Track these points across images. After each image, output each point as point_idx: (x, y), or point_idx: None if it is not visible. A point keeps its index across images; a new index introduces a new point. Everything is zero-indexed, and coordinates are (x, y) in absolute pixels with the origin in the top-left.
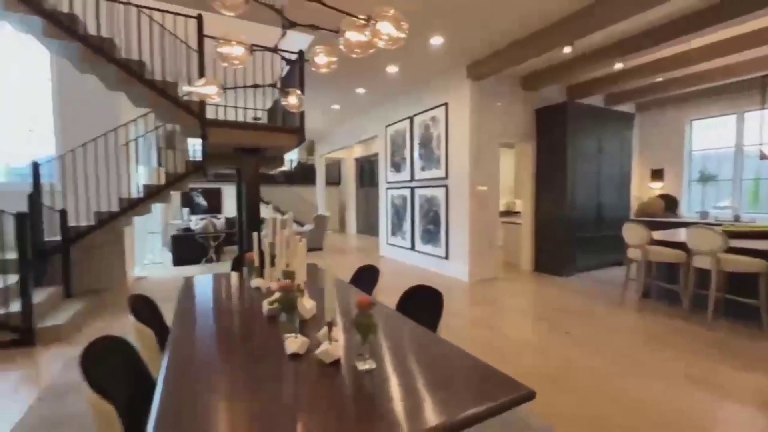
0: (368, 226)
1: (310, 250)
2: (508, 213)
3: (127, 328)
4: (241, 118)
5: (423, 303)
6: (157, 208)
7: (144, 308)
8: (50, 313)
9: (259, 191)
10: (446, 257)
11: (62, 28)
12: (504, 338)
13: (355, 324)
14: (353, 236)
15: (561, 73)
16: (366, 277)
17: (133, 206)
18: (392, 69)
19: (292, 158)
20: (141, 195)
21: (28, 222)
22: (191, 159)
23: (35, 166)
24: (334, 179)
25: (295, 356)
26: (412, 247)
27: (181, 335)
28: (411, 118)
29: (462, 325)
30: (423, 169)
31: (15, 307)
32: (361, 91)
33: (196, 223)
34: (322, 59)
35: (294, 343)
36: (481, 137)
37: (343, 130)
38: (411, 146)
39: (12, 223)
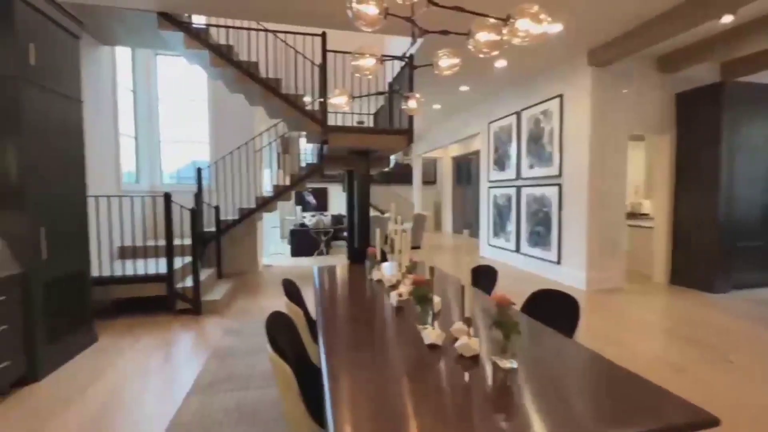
0: (464, 225)
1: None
2: (634, 215)
3: (264, 305)
4: (348, 123)
5: (553, 309)
6: (278, 205)
7: (292, 290)
8: (209, 289)
9: (369, 191)
10: (558, 262)
11: (223, 57)
12: (638, 358)
13: (496, 322)
14: (449, 235)
15: (713, 48)
16: (483, 278)
17: (265, 203)
18: (501, 63)
19: (390, 158)
20: (271, 194)
21: (198, 216)
22: (306, 162)
23: (198, 172)
24: (430, 178)
25: (433, 347)
26: (517, 250)
27: (328, 321)
28: (518, 113)
29: (581, 338)
30: (531, 166)
31: (188, 282)
32: (464, 88)
33: (309, 219)
34: (445, 62)
35: (432, 333)
36: (604, 130)
37: (442, 129)
38: (518, 143)
39: (187, 217)
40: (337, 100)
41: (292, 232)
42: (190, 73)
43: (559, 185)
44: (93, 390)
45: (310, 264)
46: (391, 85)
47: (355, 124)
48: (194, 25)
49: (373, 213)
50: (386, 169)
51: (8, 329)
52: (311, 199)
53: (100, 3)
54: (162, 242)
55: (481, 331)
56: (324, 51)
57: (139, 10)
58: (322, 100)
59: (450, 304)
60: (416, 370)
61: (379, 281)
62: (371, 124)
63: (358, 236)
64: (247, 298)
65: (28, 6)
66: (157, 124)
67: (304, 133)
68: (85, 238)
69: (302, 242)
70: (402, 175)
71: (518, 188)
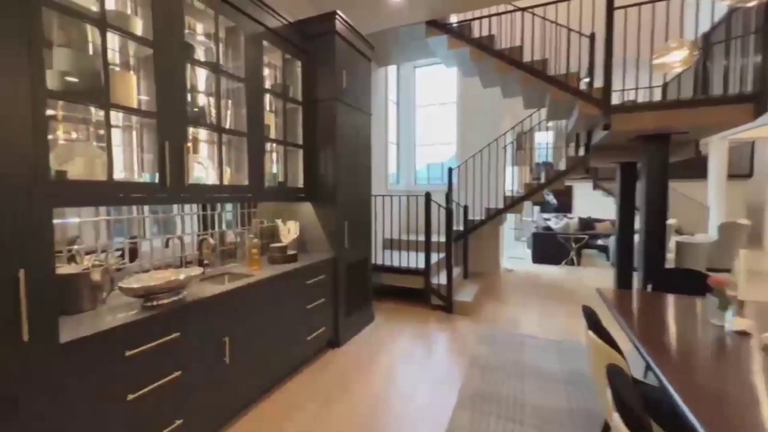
0: None
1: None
2: None
3: (511, 314)
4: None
5: None
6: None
7: (594, 320)
8: (458, 289)
9: (667, 190)
10: None
11: (484, 49)
12: None
13: None
14: None
15: None
16: None
17: (514, 204)
18: None
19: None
20: (519, 193)
21: (452, 215)
22: (541, 161)
23: (450, 172)
24: (741, 170)
25: None
26: None
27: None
28: None
29: None
30: None
31: (441, 279)
32: None
33: (555, 222)
34: None
35: None
36: None
37: None
38: None
39: (439, 215)
40: (672, 58)
41: (535, 236)
42: (442, 80)
43: None
44: (376, 365)
45: (559, 274)
46: (706, 36)
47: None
48: (456, 24)
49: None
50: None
51: (325, 302)
52: (551, 198)
53: (385, 27)
54: (414, 237)
55: None
56: (610, 9)
57: (411, 25)
58: (586, 82)
59: None
60: None
61: (744, 334)
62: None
63: (644, 252)
64: (495, 304)
65: (342, 39)
66: (414, 130)
67: (546, 123)
68: (368, 231)
69: (546, 247)
70: (687, 166)
71: None
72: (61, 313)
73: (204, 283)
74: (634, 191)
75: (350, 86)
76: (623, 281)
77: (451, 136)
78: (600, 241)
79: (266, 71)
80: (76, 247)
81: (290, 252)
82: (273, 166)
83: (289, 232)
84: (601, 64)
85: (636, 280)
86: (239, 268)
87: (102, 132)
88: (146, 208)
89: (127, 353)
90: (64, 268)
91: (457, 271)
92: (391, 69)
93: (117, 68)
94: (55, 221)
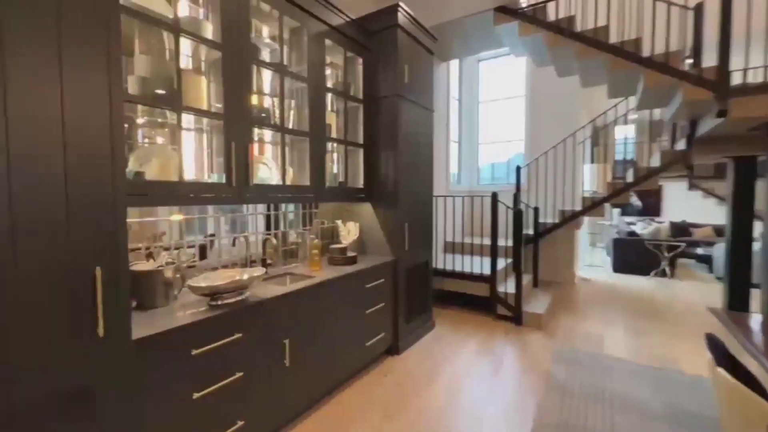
0: None
1: None
2: None
3: (589, 330)
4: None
5: None
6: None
7: (721, 351)
8: (527, 298)
9: None
10: None
11: (562, 31)
12: None
13: None
14: None
15: None
16: None
17: (594, 206)
18: None
19: None
20: (600, 194)
21: (521, 217)
22: (620, 157)
23: (518, 170)
24: None
25: None
26: None
27: None
28: None
29: None
30: None
31: (508, 287)
32: None
33: (642, 227)
34: None
35: None
36: None
37: None
38: None
39: (505, 217)
40: None
41: (617, 242)
42: (508, 72)
43: None
44: (438, 378)
45: (647, 286)
46: None
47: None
48: (529, 8)
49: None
50: None
51: (385, 306)
52: (635, 200)
53: (451, 18)
54: (478, 240)
55: None
56: None
57: (478, 13)
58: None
59: None
60: None
61: None
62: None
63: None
64: (571, 317)
65: (404, 32)
66: (476, 127)
67: (632, 115)
68: (430, 233)
69: (630, 255)
70: None
71: None
72: (137, 307)
73: (267, 283)
74: (752, 191)
75: (412, 82)
76: (737, 300)
77: (518, 132)
78: (700, 250)
79: (327, 71)
80: (155, 245)
81: (350, 254)
82: (334, 166)
83: (349, 233)
84: (711, 40)
85: (757, 300)
86: (300, 268)
87: (176, 134)
88: (219, 207)
89: (194, 352)
90: (140, 265)
91: (526, 278)
92: (453, 64)
93: (188, 72)
94: (137, 219)
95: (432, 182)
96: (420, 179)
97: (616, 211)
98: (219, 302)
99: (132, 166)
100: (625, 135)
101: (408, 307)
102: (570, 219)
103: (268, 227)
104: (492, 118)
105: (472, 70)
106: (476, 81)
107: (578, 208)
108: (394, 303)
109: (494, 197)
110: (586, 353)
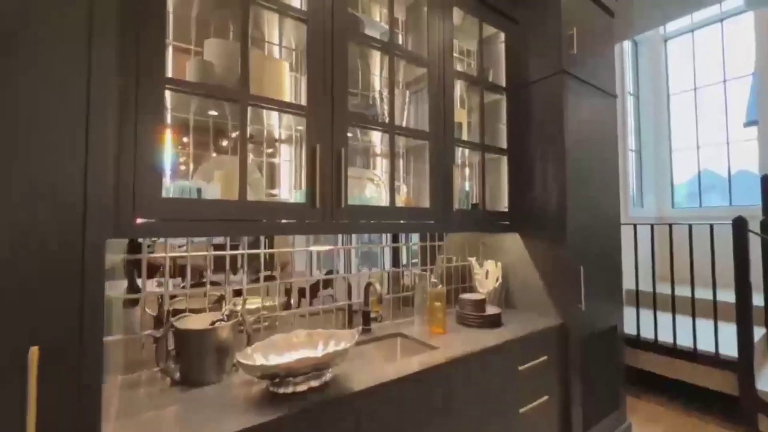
0: None
1: None
2: None
3: None
4: None
5: None
6: None
7: None
8: (759, 369)
9: None
10: None
11: None
12: None
13: None
14: None
15: None
16: None
17: None
18: None
19: None
20: None
21: None
22: None
23: (764, 181)
24: None
25: None
26: None
27: None
28: None
29: None
30: None
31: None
32: None
33: None
34: None
35: None
36: None
37: None
38: None
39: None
40: None
41: None
42: (714, 49)
43: None
44: None
45: None
46: None
47: None
48: None
49: None
50: None
51: (548, 402)
52: None
53: None
54: (682, 290)
55: None
56: None
57: None
58: None
59: None
60: None
61: None
62: None
63: None
64: None
65: None
66: (667, 128)
67: None
68: (618, 282)
69: None
70: None
71: None
72: (182, 382)
73: (365, 348)
74: None
75: (583, 53)
76: None
77: (740, 130)
78: None
79: (456, 53)
80: (228, 287)
81: (491, 310)
82: (465, 182)
83: (487, 277)
84: None
85: None
86: (416, 327)
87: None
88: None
89: None
90: (192, 320)
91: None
92: (624, 48)
93: (263, 56)
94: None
95: (618, 203)
96: (599, 198)
97: None
98: (281, 390)
99: (197, 182)
100: None
101: (587, 401)
102: None
103: (373, 264)
104: (690, 114)
105: (654, 53)
106: (663, 66)
107: None
108: (566, 395)
109: (741, 224)
110: None
